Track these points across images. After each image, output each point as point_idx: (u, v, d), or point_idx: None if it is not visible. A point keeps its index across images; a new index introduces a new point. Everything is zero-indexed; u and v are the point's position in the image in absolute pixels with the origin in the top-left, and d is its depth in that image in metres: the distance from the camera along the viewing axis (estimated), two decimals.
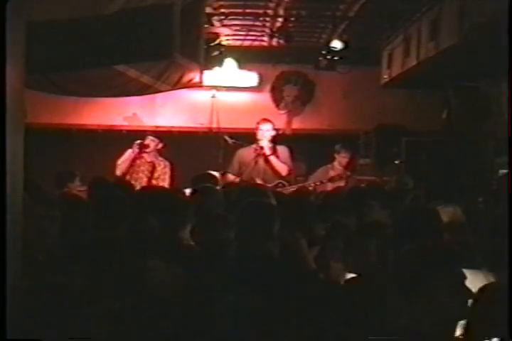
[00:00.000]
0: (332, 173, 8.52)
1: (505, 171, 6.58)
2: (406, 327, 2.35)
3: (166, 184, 8.12)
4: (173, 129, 10.36)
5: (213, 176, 6.62)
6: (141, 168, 8.20)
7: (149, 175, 8.12)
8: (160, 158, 8.33)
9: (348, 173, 8.56)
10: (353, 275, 3.70)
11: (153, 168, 8.19)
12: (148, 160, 8.24)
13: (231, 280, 2.90)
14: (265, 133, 8.07)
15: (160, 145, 8.36)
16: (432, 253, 2.51)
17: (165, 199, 4.52)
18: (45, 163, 8.68)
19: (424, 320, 2.39)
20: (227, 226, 4.15)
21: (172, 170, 8.37)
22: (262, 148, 8.03)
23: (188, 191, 5.87)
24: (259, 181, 7.58)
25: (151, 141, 8.28)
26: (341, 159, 8.71)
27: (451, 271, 2.45)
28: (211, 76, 9.09)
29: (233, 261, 3.07)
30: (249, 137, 8.42)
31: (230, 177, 8.00)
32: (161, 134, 8.70)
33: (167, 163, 8.34)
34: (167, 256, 3.51)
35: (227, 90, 10.31)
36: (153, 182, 8.02)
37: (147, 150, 8.21)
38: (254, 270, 2.88)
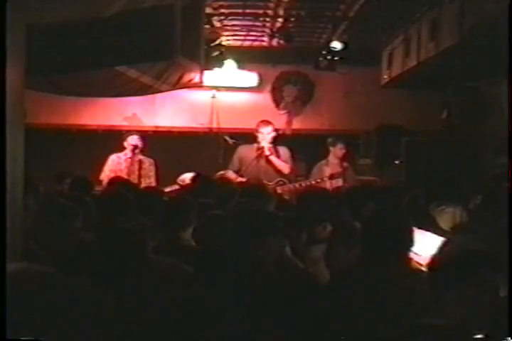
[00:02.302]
0: (327, 169, 8.48)
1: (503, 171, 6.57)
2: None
3: (152, 181, 8.22)
4: (173, 129, 10.38)
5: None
6: (132, 168, 8.26)
7: (138, 173, 8.19)
8: (143, 156, 8.39)
9: (346, 164, 8.53)
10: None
11: (140, 166, 8.26)
12: (136, 159, 8.30)
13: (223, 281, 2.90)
14: (266, 137, 8.09)
15: (143, 144, 8.42)
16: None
17: (170, 200, 4.55)
18: (45, 163, 8.69)
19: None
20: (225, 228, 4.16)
21: (156, 167, 8.44)
22: (262, 148, 8.05)
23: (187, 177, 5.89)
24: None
25: (138, 141, 8.34)
26: (338, 151, 8.61)
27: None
28: (211, 76, 9.08)
29: (227, 262, 3.06)
30: (249, 137, 8.42)
31: (231, 174, 7.98)
32: (143, 133, 8.74)
33: (152, 161, 8.42)
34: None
35: (227, 90, 10.32)
36: (142, 180, 8.08)
37: (136, 150, 8.28)
38: (244, 271, 2.88)
